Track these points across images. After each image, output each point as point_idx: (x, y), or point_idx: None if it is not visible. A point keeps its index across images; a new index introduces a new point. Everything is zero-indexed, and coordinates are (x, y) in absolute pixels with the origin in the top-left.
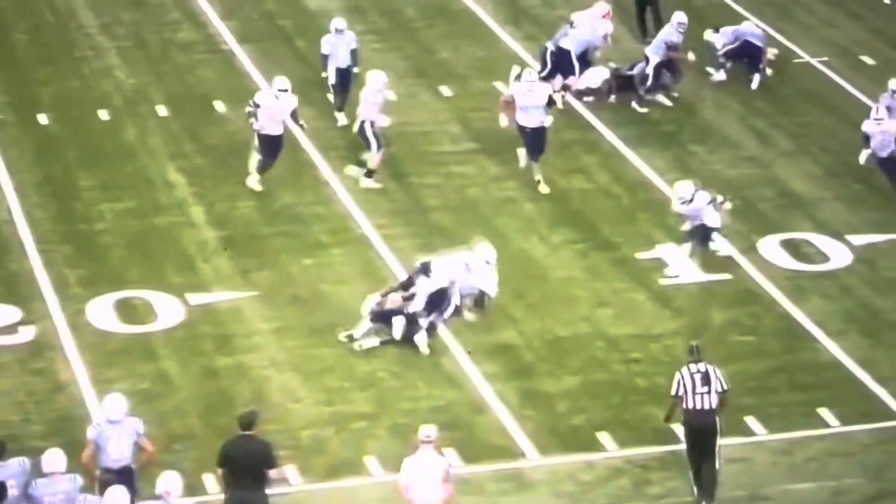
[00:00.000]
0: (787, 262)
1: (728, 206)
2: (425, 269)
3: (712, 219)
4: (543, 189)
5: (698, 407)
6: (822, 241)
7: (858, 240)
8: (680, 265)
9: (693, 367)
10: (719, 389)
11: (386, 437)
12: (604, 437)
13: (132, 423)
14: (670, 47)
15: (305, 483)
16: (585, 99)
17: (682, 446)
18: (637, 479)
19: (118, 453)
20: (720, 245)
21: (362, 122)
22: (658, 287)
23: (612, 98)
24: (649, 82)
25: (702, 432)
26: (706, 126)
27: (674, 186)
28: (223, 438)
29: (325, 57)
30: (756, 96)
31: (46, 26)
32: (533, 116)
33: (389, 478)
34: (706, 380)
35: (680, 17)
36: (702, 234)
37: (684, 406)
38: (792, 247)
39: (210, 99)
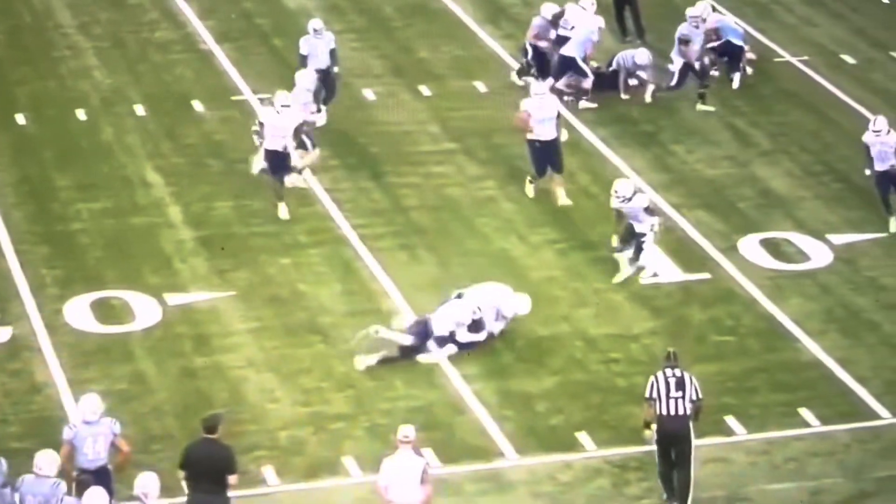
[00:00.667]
0: (766, 261)
1: (658, 225)
2: (459, 297)
3: (644, 225)
4: (564, 200)
5: (672, 412)
6: (802, 241)
7: (838, 239)
8: (654, 265)
9: (668, 371)
10: (693, 398)
11: (364, 437)
12: (583, 437)
13: (108, 423)
14: (682, 41)
15: (283, 484)
16: (565, 98)
17: None
18: (616, 479)
19: (94, 454)
20: (647, 261)
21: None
22: (637, 287)
23: (587, 97)
24: (673, 82)
25: (675, 437)
26: (685, 125)
27: (614, 183)
28: None
29: (304, 57)
30: (735, 95)
31: (24, 26)
32: (547, 129)
33: (367, 478)
34: (680, 385)
35: (693, 10)
36: (635, 238)
37: (657, 411)
38: (772, 246)
39: (188, 98)
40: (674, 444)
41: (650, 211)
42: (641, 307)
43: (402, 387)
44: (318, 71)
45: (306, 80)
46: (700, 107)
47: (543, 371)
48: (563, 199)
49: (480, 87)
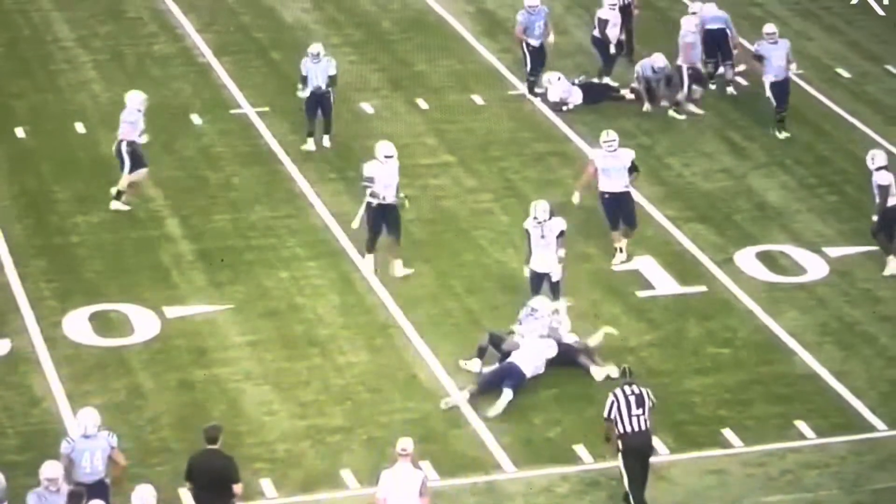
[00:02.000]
0: (763, 274)
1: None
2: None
3: (549, 260)
4: (619, 258)
5: (636, 429)
6: (797, 253)
7: (834, 252)
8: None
9: (627, 388)
10: (650, 406)
11: (362, 450)
12: (580, 449)
13: (105, 437)
14: (756, 58)
15: (281, 497)
16: (563, 109)
17: (659, 459)
18: (613, 491)
19: (92, 468)
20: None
21: (119, 142)
22: (634, 299)
23: (565, 108)
24: (773, 103)
25: (644, 452)
26: (681, 138)
27: (532, 203)
28: None
29: (305, 77)
30: (731, 109)
31: (22, 39)
32: (615, 180)
33: (365, 491)
34: (640, 402)
35: (768, 27)
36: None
37: (621, 430)
38: (768, 259)
39: (186, 111)
40: (641, 458)
41: (562, 237)
42: (638, 319)
43: (399, 399)
44: (313, 94)
45: (136, 100)
46: (779, 134)
47: (540, 383)
48: (618, 256)
49: (478, 99)
